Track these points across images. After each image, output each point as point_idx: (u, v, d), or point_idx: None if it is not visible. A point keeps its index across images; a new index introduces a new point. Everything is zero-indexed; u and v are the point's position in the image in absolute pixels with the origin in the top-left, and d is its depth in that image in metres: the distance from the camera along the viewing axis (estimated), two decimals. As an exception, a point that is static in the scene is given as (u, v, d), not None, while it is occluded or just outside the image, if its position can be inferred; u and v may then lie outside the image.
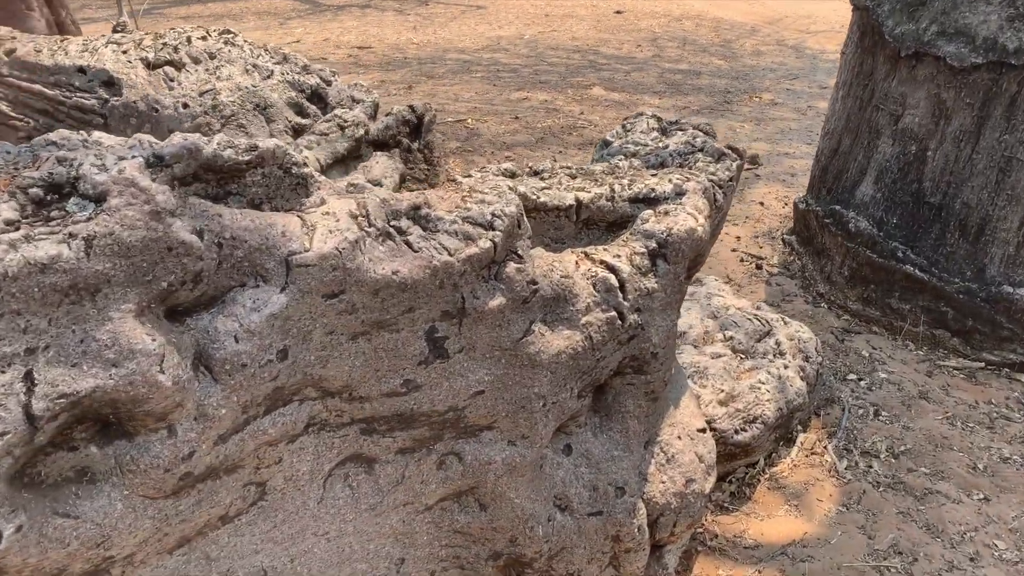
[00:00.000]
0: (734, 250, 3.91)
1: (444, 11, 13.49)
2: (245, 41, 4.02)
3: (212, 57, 3.85)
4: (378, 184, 3.85)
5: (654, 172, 1.99)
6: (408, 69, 8.26)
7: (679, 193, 1.89)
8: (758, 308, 2.88)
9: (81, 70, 3.83)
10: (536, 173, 1.93)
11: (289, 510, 1.47)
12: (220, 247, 1.20)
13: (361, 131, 3.84)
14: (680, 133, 2.25)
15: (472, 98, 6.46)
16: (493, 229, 1.51)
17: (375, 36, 10.95)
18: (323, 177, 1.42)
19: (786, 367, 2.59)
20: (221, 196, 1.26)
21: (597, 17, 12.38)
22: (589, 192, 1.82)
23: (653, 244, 1.79)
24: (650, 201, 1.87)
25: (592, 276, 1.71)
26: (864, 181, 3.32)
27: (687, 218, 1.82)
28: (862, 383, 2.94)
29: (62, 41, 4.05)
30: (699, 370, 2.47)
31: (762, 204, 4.45)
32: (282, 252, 1.25)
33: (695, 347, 2.63)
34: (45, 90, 3.84)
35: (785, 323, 2.75)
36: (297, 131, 3.89)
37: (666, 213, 1.85)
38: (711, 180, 1.97)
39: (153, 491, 1.21)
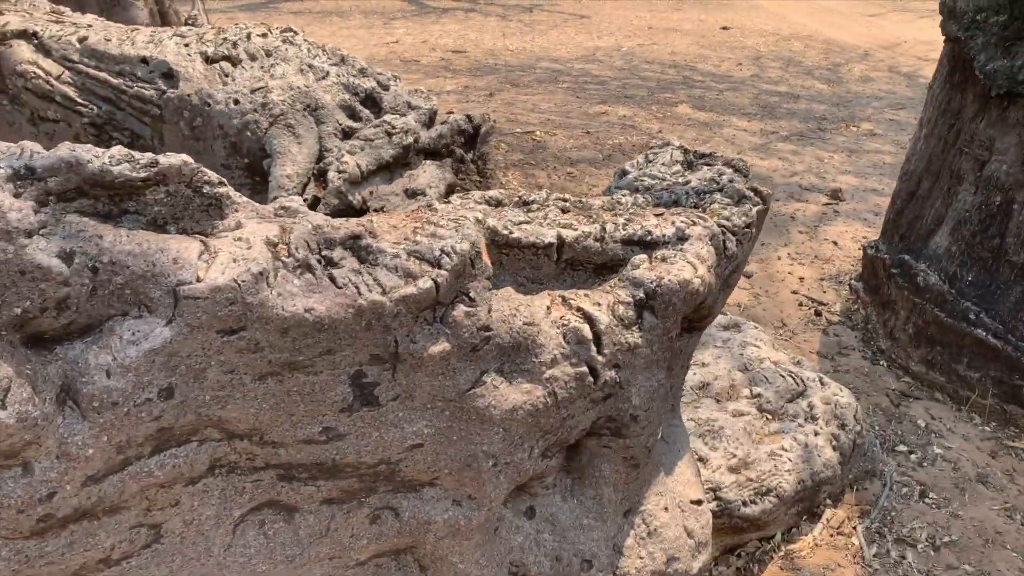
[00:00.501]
0: (794, 292, 3.62)
1: (547, 19, 13.40)
2: (305, 40, 3.99)
3: (268, 55, 3.83)
4: (422, 194, 3.74)
5: (660, 211, 1.78)
6: (496, 76, 8.18)
7: (681, 238, 1.68)
8: (798, 363, 2.61)
9: (144, 60, 3.87)
10: (525, 203, 1.76)
11: (189, 555, 1.35)
12: (95, 272, 1.08)
13: (410, 139, 3.74)
14: (706, 168, 2.03)
15: (550, 109, 6.31)
16: (440, 267, 1.35)
17: (472, 40, 10.94)
18: (244, 198, 1.29)
19: (816, 434, 2.32)
20: (115, 214, 1.15)
21: (702, 32, 12.03)
22: (576, 229, 1.63)
23: (640, 294, 1.59)
24: (646, 244, 1.67)
25: (563, 325, 1.53)
26: (940, 231, 2.99)
27: (684, 268, 1.61)
28: (912, 457, 2.63)
29: (132, 31, 4.11)
30: (713, 429, 2.24)
31: (836, 244, 4.12)
32: (170, 281, 1.12)
33: (717, 401, 2.39)
34: (110, 78, 3.90)
35: (823, 384, 2.47)
36: (347, 134, 3.83)
37: (663, 259, 1.64)
38: (723, 226, 1.75)
39: (7, 532, 1.11)
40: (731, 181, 1.95)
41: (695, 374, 2.48)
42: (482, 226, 1.51)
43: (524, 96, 6.98)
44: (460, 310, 1.39)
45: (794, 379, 2.44)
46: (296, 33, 4.01)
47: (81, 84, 3.97)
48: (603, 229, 1.66)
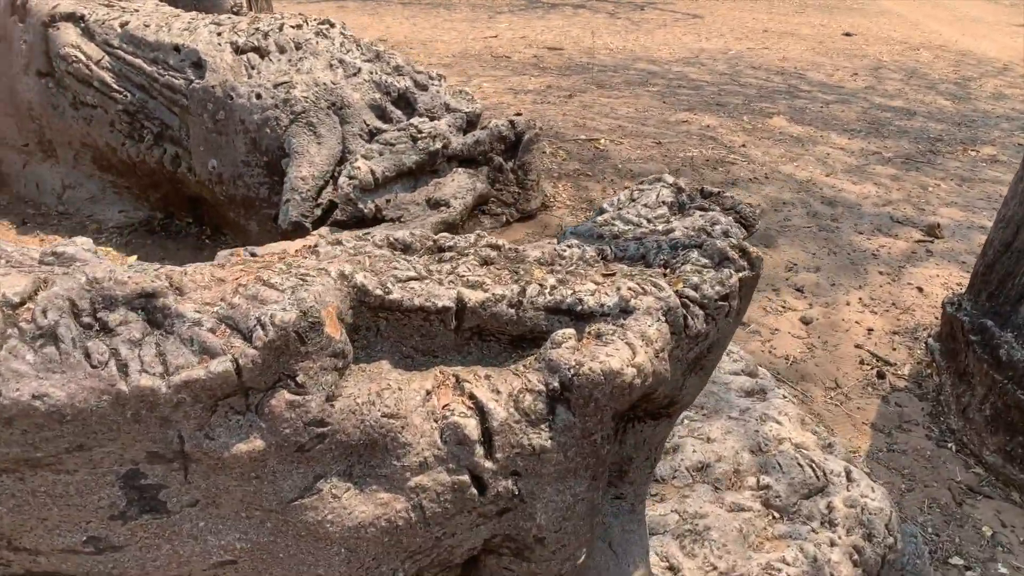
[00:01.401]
0: (858, 346, 3.11)
1: (657, 17, 12.88)
2: (341, 33, 3.75)
3: (298, 47, 3.60)
4: (446, 204, 3.44)
5: (612, 271, 1.40)
6: (584, 76, 7.79)
7: (625, 310, 1.30)
8: (828, 447, 2.16)
9: (176, 48, 3.73)
10: (440, 249, 1.42)
11: (-72, 676, 1.09)
12: None
13: (438, 144, 3.44)
14: (698, 215, 1.62)
15: (627, 115, 5.88)
16: (251, 342, 1.04)
17: (573, 38, 10.57)
18: (-12, 242, 1.01)
19: (832, 544, 1.88)
20: None
21: (820, 38, 11.24)
22: (485, 291, 1.28)
23: (555, 382, 1.23)
24: (578, 316, 1.30)
25: (443, 419, 1.18)
26: (1033, 294, 2.45)
27: (617, 352, 1.23)
28: (968, 575, 2.14)
29: (173, 17, 3.98)
30: (697, 529, 1.83)
31: (921, 291, 3.56)
32: None
33: (715, 489, 1.98)
34: (144, 65, 3.78)
35: (851, 480, 2.02)
36: (374, 136, 3.57)
37: (597, 336, 1.27)
38: (686, 296, 1.36)
39: None
40: (725, 234, 1.55)
41: (694, 452, 2.07)
42: (346, 282, 1.18)
43: (605, 99, 6.57)
44: (281, 399, 1.07)
45: (814, 470, 2.00)
46: (333, 25, 3.78)
47: (118, 70, 3.87)
48: (522, 292, 1.30)
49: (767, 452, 2.06)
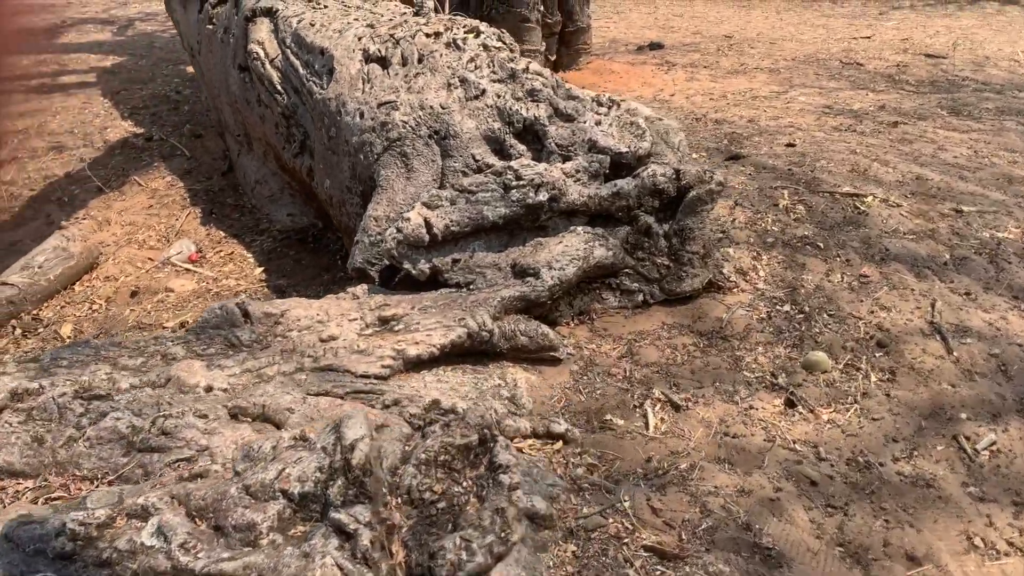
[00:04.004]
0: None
1: (1114, 18, 9.87)
2: (482, 44, 3.06)
3: (420, 60, 3.01)
4: (534, 274, 2.63)
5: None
6: (943, 96, 6.05)
7: None
8: None
9: (322, 52, 3.38)
10: None
11: None
12: None
13: (541, 196, 2.63)
14: (306, 549, 0.71)
15: (949, 159, 4.30)
16: None
17: (978, 41, 8.47)
18: None
19: None
20: None
21: None
22: None
23: None
24: None
25: None
26: None
27: None
28: None
29: (344, 14, 3.66)
30: None
31: None
32: None
33: None
34: (300, 67, 3.51)
35: None
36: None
37: None
38: None
39: None
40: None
41: None
42: None
43: (945, 132, 4.94)
44: None
45: None
46: (478, 35, 3.11)
47: (284, 70, 3.66)
48: None
49: None
